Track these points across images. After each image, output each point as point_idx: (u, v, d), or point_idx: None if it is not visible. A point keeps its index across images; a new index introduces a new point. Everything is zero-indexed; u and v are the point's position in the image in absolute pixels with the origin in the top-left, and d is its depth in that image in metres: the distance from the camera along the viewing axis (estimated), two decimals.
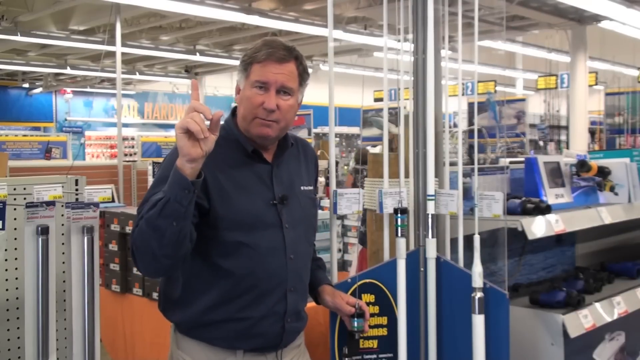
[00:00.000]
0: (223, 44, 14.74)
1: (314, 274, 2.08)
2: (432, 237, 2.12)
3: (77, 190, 2.48)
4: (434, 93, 2.15)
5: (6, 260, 2.31)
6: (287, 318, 1.87)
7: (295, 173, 1.97)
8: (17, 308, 2.34)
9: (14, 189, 2.32)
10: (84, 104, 19.82)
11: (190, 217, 1.64)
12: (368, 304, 2.10)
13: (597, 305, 2.57)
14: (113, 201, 4.60)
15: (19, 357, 2.36)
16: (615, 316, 2.60)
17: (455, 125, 2.62)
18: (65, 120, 19.03)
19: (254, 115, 1.81)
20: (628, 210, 2.92)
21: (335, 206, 2.20)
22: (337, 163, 3.58)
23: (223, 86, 18.64)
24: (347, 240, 6.36)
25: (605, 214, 2.74)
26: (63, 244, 2.05)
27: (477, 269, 1.99)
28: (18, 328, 2.32)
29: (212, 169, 1.72)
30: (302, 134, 10.22)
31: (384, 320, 2.15)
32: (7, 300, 2.34)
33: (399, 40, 2.18)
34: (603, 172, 2.91)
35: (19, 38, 11.38)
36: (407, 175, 2.21)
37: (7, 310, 2.34)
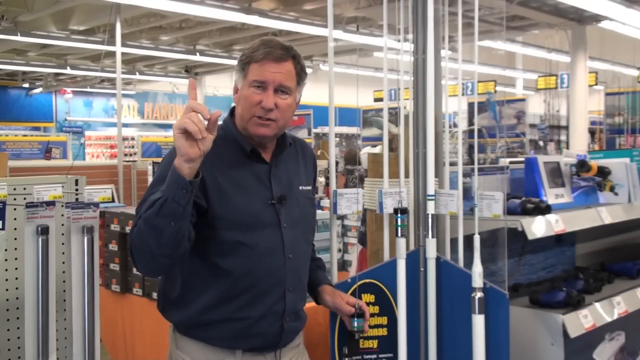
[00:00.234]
0: (223, 44, 14.75)
1: (314, 274, 2.08)
2: (432, 237, 2.12)
3: (77, 190, 2.48)
4: (434, 93, 2.15)
5: (6, 260, 2.31)
6: (286, 317, 1.87)
7: (294, 173, 1.97)
8: (17, 308, 2.34)
9: (14, 189, 2.32)
10: (84, 104, 19.83)
11: (188, 217, 1.64)
12: (368, 304, 2.10)
13: (597, 305, 2.57)
14: (113, 201, 4.60)
15: (19, 357, 2.36)
16: (615, 316, 2.60)
17: (455, 125, 2.62)
18: (65, 120, 19.04)
19: (252, 115, 1.81)
20: (628, 210, 2.92)
21: (335, 206, 2.20)
22: (337, 163, 3.58)
23: (223, 86, 18.64)
24: (347, 240, 6.36)
25: (605, 214, 2.74)
26: (63, 244, 2.05)
27: (477, 269, 1.99)
28: (18, 328, 2.32)
29: (210, 169, 1.72)
30: (302, 134, 10.22)
31: (384, 320, 2.14)
32: (7, 300, 2.34)
33: (399, 40, 2.18)
34: (603, 172, 2.91)
35: (19, 38, 11.39)
36: (407, 175, 2.21)
37: (7, 310, 2.34)
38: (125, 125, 16.63)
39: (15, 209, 2.24)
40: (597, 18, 11.05)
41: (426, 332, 2.12)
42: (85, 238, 1.96)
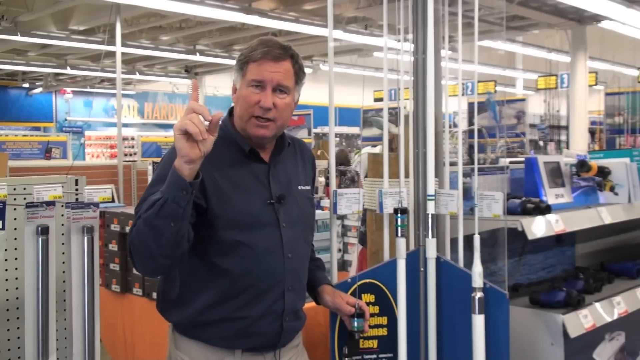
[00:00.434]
0: (223, 44, 14.75)
1: (314, 274, 2.09)
2: (432, 237, 2.12)
3: (77, 190, 2.47)
4: (434, 93, 2.15)
5: (6, 260, 2.31)
6: (285, 317, 1.87)
7: (293, 173, 1.97)
8: (17, 308, 2.33)
9: (14, 189, 2.31)
10: (84, 104, 19.83)
11: (188, 218, 1.64)
12: (368, 304, 2.10)
13: (597, 305, 2.57)
14: (113, 201, 4.60)
15: (19, 357, 2.36)
16: (615, 316, 2.60)
17: (455, 125, 2.62)
18: (65, 120, 19.04)
19: (251, 114, 1.82)
20: (628, 210, 2.92)
21: (335, 206, 2.20)
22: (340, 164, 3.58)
23: (223, 86, 18.64)
24: (347, 240, 6.36)
25: (605, 214, 2.74)
26: (63, 244, 2.05)
27: (477, 269, 1.99)
28: (18, 328, 2.32)
29: (209, 169, 1.72)
30: (302, 134, 10.22)
31: (384, 320, 2.15)
32: (7, 300, 2.34)
33: (399, 40, 2.18)
34: (603, 172, 2.91)
35: (19, 38, 11.38)
36: (407, 175, 2.21)
37: (7, 310, 2.34)
38: (125, 125, 16.64)
39: (15, 209, 2.24)
40: (597, 18, 11.04)
41: (426, 332, 2.12)
42: (85, 238, 1.96)
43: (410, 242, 2.17)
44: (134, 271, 3.24)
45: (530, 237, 2.30)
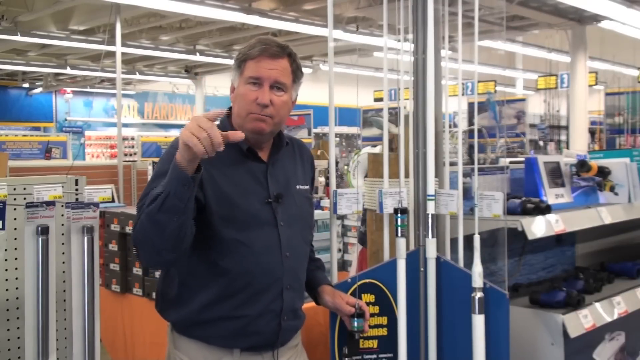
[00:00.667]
0: (223, 44, 14.75)
1: (314, 275, 2.09)
2: (432, 237, 2.12)
3: (77, 190, 2.47)
4: (434, 93, 2.15)
5: (6, 260, 2.31)
6: (284, 316, 1.88)
7: (291, 172, 1.98)
8: (17, 308, 2.33)
9: (14, 189, 2.31)
10: (84, 104, 19.83)
11: (190, 212, 1.64)
12: (368, 304, 2.10)
13: (597, 305, 2.57)
14: (113, 201, 4.60)
15: (19, 357, 2.36)
16: (615, 316, 2.60)
17: (455, 125, 2.62)
18: (65, 120, 19.04)
19: (248, 111, 1.82)
20: (628, 210, 2.92)
21: (335, 206, 2.20)
22: (337, 163, 3.58)
23: (223, 86, 18.62)
24: (347, 240, 6.35)
25: (605, 214, 2.74)
26: (63, 244, 2.05)
27: (477, 269, 1.99)
28: (18, 328, 2.32)
29: (207, 168, 1.73)
30: (302, 134, 10.21)
31: (384, 320, 2.14)
32: (7, 300, 2.34)
33: (399, 40, 2.18)
34: (603, 172, 2.91)
35: (19, 38, 11.38)
36: (407, 175, 2.21)
37: (7, 310, 2.34)
38: (125, 125, 16.63)
39: (15, 209, 2.24)
40: (597, 18, 11.04)
41: (426, 332, 2.12)
42: (85, 238, 1.96)
43: (410, 242, 2.16)
44: (134, 271, 3.25)
45: (530, 237, 2.30)
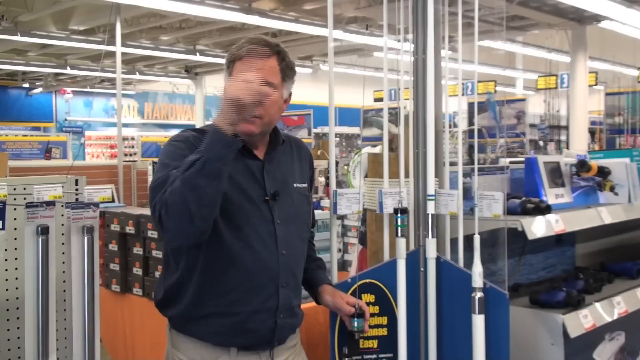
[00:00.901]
0: (223, 44, 14.74)
1: (314, 274, 2.09)
2: (432, 237, 2.12)
3: (77, 190, 2.47)
4: (434, 93, 2.15)
5: (6, 260, 2.31)
6: (280, 314, 1.88)
7: (288, 170, 1.98)
8: (17, 308, 2.33)
9: (14, 189, 2.31)
10: (84, 104, 19.82)
11: (226, 180, 1.66)
12: (368, 304, 2.10)
13: (597, 305, 2.57)
14: (113, 201, 4.60)
15: (19, 357, 2.36)
16: (615, 316, 2.60)
17: (455, 125, 2.62)
18: (65, 120, 19.03)
19: None
20: (628, 210, 2.92)
21: (335, 206, 2.20)
22: (337, 163, 3.58)
23: (223, 86, 18.62)
24: (347, 240, 6.34)
25: (605, 214, 2.74)
26: (63, 244, 2.05)
27: (477, 269, 1.99)
28: (18, 328, 2.32)
29: None
30: (302, 134, 10.21)
31: (384, 320, 2.14)
32: (7, 300, 2.34)
33: (399, 40, 2.18)
34: (603, 172, 2.91)
35: (19, 38, 11.38)
36: (407, 175, 2.21)
37: (7, 310, 2.34)
38: (125, 125, 16.62)
39: (15, 209, 2.24)
40: (597, 18, 11.03)
41: (426, 332, 2.12)
42: (85, 238, 1.96)
43: (410, 242, 2.16)
44: (134, 271, 3.25)
45: (530, 237, 2.30)
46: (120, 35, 10.06)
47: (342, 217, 5.73)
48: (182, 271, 1.85)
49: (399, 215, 2.08)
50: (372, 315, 2.10)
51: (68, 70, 15.83)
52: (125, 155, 13.57)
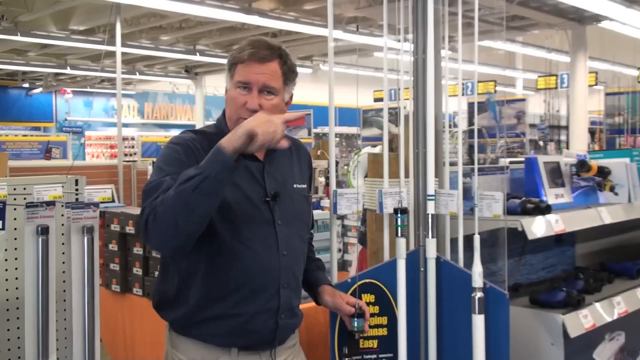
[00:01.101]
0: (223, 44, 14.74)
1: (314, 275, 2.09)
2: (432, 237, 2.12)
3: (77, 190, 2.47)
4: (434, 93, 2.15)
5: (6, 260, 2.31)
6: (281, 314, 1.88)
7: (288, 171, 1.98)
8: (17, 308, 2.34)
9: (14, 189, 2.31)
10: (84, 104, 19.83)
11: (219, 199, 1.65)
12: (368, 304, 2.10)
13: (597, 305, 2.57)
14: (113, 201, 4.60)
15: (19, 357, 2.36)
16: (615, 316, 2.60)
17: (455, 125, 2.62)
18: (65, 120, 19.04)
19: (238, 116, 1.83)
20: (628, 210, 2.92)
21: (335, 206, 2.20)
22: (337, 163, 3.58)
23: (223, 86, 18.20)
24: (347, 240, 6.35)
25: (605, 214, 2.74)
26: (63, 244, 2.05)
27: (477, 269, 1.99)
28: (18, 328, 2.32)
29: None
30: (302, 134, 10.21)
31: (384, 320, 2.14)
32: (7, 300, 2.34)
33: (399, 40, 2.18)
34: (603, 172, 2.91)
35: (19, 38, 11.38)
36: (407, 175, 2.21)
37: (7, 310, 2.34)
38: (125, 125, 16.63)
39: (15, 209, 2.24)
40: (597, 18, 11.03)
41: (426, 332, 2.12)
42: (85, 238, 1.96)
43: (410, 242, 2.16)
44: (134, 271, 3.24)
45: (530, 237, 2.30)
46: (120, 35, 10.06)
47: (342, 217, 5.73)
48: (183, 274, 1.85)
49: (399, 215, 2.08)
50: (372, 315, 2.10)
51: (68, 70, 15.83)
52: (125, 155, 13.58)
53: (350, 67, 14.31)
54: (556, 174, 2.83)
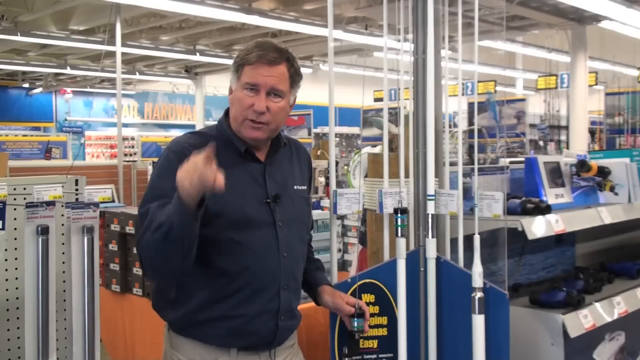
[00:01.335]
0: (223, 44, 14.74)
1: (313, 275, 2.09)
2: (432, 237, 2.12)
3: (77, 190, 2.47)
4: (434, 93, 2.15)
5: (6, 260, 2.31)
6: (281, 316, 1.88)
7: (289, 172, 1.98)
8: (17, 308, 2.33)
9: (14, 189, 2.31)
10: (84, 104, 19.83)
11: (195, 239, 1.68)
12: (368, 304, 2.10)
13: (597, 305, 2.57)
14: (113, 201, 4.60)
15: (19, 357, 2.36)
16: (615, 316, 2.60)
17: (455, 125, 2.62)
18: (65, 120, 19.03)
19: (244, 117, 1.83)
20: (628, 210, 2.92)
21: (335, 206, 2.20)
22: (337, 163, 3.58)
23: (223, 86, 18.50)
24: (347, 240, 6.34)
25: (605, 214, 2.73)
26: (63, 244, 2.05)
27: (477, 269, 1.99)
28: (18, 328, 2.32)
29: None
30: (302, 134, 10.22)
31: (384, 320, 2.14)
32: (7, 300, 2.34)
33: (399, 40, 2.18)
34: (603, 172, 2.91)
35: (19, 38, 11.38)
36: (407, 175, 2.21)
37: (7, 310, 2.34)
38: (125, 125, 16.62)
39: (15, 209, 2.24)
40: (597, 18, 11.03)
41: (426, 332, 2.12)
42: (85, 238, 1.96)
43: (410, 242, 2.16)
44: (134, 271, 3.25)
45: (530, 237, 2.30)
46: (120, 35, 10.06)
47: (342, 217, 5.73)
48: (182, 276, 1.84)
49: (399, 215, 2.08)
50: (372, 315, 2.10)
51: (68, 70, 15.83)
52: (125, 155, 13.57)
53: (350, 67, 14.31)
54: (556, 174, 2.83)
